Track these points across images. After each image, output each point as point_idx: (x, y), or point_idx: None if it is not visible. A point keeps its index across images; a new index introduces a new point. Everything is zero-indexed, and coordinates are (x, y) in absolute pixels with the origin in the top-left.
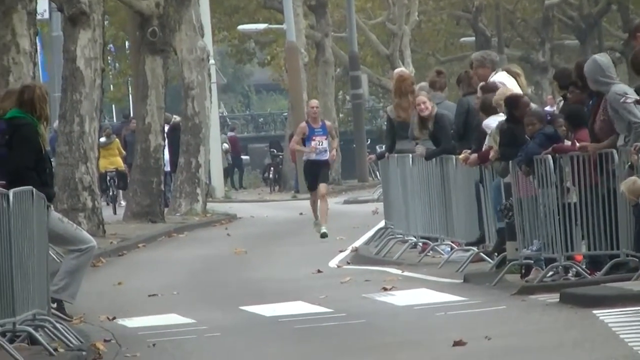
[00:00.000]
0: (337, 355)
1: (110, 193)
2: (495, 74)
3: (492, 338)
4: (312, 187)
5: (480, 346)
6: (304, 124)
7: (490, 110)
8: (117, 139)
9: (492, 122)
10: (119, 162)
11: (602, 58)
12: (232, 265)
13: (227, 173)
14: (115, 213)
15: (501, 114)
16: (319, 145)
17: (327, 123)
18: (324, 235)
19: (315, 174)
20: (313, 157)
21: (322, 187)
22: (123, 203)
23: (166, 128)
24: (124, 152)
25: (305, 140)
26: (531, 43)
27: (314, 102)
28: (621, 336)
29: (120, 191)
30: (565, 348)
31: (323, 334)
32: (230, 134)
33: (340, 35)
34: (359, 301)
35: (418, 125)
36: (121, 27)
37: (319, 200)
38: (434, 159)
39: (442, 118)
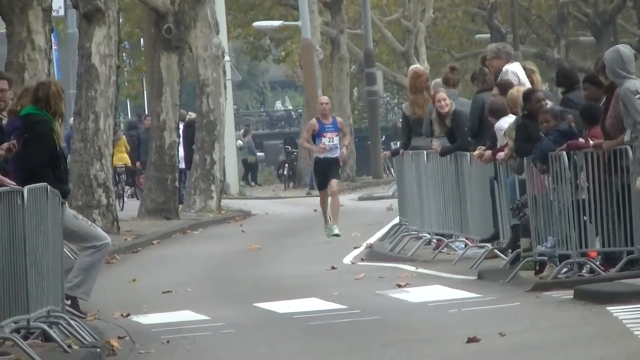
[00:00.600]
0: (351, 352)
1: (119, 190)
2: (509, 64)
3: (506, 335)
4: (322, 186)
5: (494, 343)
6: (314, 120)
7: (500, 113)
8: (123, 136)
9: (504, 123)
10: (127, 159)
11: (625, 50)
12: (246, 262)
13: (254, 167)
14: (122, 209)
15: (511, 115)
16: (329, 142)
17: (339, 119)
18: (336, 236)
19: (325, 171)
20: (323, 155)
21: (334, 183)
22: (126, 199)
23: (181, 125)
24: (128, 148)
25: (315, 137)
26: (546, 40)
27: (324, 99)
28: (635, 332)
29: (127, 187)
30: (579, 344)
31: (337, 331)
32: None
33: (356, 32)
34: (373, 298)
35: (437, 122)
36: (136, 24)
37: (329, 199)
38: (448, 156)
39: (460, 115)
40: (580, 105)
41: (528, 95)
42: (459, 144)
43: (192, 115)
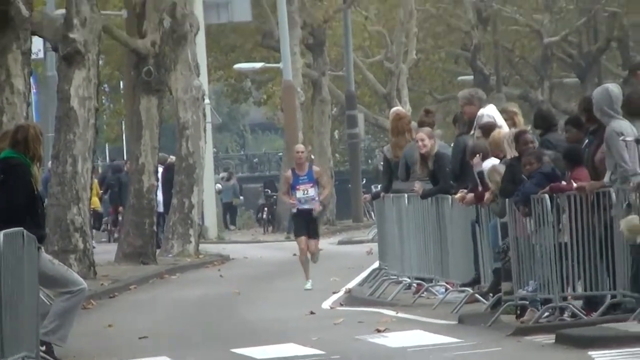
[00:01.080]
0: None
1: None
2: (483, 108)
3: None
4: (299, 233)
5: None
6: (289, 172)
7: (484, 156)
8: (95, 179)
9: (488, 166)
10: (97, 203)
11: (614, 89)
12: (224, 307)
13: (234, 210)
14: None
15: (493, 158)
16: (303, 194)
17: (315, 169)
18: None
19: (304, 222)
20: (299, 206)
21: (312, 244)
22: (95, 245)
23: (161, 168)
24: (99, 191)
25: (291, 189)
26: (530, 81)
27: (299, 147)
28: None
29: (94, 231)
30: None
31: None
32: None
33: (337, 74)
34: (352, 343)
35: (419, 163)
36: (116, 67)
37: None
38: (429, 198)
39: (442, 157)
40: (560, 147)
41: (517, 136)
42: (440, 187)
43: (172, 158)
